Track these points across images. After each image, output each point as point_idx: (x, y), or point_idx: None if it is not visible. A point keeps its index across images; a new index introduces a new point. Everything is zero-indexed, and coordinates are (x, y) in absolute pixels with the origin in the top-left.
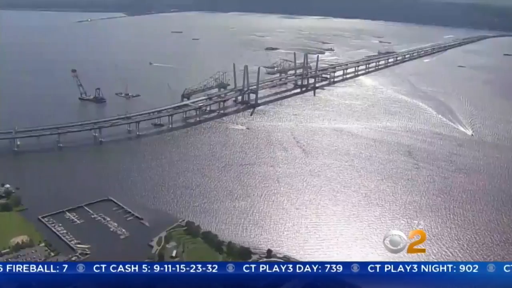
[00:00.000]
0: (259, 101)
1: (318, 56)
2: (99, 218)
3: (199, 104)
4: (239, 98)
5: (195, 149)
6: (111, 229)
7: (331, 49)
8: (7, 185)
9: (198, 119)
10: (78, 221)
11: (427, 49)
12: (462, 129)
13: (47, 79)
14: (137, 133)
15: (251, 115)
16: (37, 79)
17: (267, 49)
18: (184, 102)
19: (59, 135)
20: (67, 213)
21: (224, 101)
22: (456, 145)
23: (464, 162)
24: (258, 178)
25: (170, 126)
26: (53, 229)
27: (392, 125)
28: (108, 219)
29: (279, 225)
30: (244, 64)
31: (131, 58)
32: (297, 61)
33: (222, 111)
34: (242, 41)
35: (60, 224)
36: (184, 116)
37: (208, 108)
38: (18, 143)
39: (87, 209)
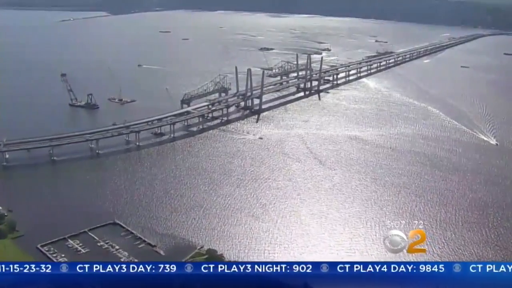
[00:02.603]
0: (262, 106)
1: (322, 57)
2: (106, 246)
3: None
4: (242, 103)
5: (202, 162)
6: (122, 260)
7: (327, 49)
8: None
9: (201, 127)
10: (83, 250)
11: (426, 48)
12: (482, 136)
13: (33, 83)
14: (137, 143)
15: (256, 122)
16: (22, 83)
17: (261, 49)
18: (185, 109)
19: (53, 148)
20: (69, 240)
21: (228, 107)
22: (478, 153)
23: (493, 173)
24: (276, 194)
25: (172, 135)
26: (55, 260)
27: (407, 131)
28: (117, 247)
29: (309, 251)
30: (239, 66)
31: (118, 59)
32: (297, 63)
33: (225, 118)
34: (234, 41)
35: (63, 255)
36: (186, 124)
37: (210, 115)
38: (7, 156)
39: (92, 234)
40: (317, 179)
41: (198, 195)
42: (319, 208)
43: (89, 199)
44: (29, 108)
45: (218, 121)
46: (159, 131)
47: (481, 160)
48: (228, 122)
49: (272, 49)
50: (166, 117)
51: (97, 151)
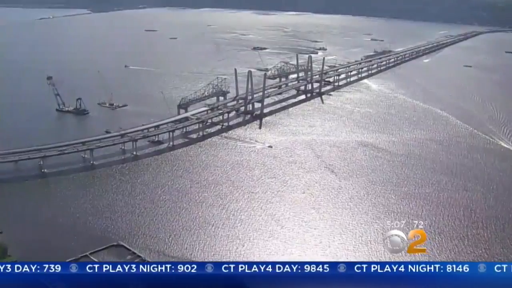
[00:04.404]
0: (263, 111)
1: (324, 58)
2: None
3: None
4: (242, 108)
5: (206, 173)
6: None
7: (323, 48)
8: None
9: (201, 133)
10: None
11: (425, 47)
12: (501, 142)
13: (15, 87)
14: (134, 153)
15: (260, 128)
16: (3, 86)
17: (254, 48)
18: (184, 115)
19: (43, 159)
20: None
21: (229, 112)
22: (499, 161)
23: None
24: (291, 208)
25: (171, 143)
26: None
27: (418, 136)
28: None
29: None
30: (232, 66)
31: (103, 60)
32: (297, 64)
33: (226, 124)
34: (224, 40)
35: None
36: (184, 131)
37: (210, 121)
38: None
39: (94, 259)
40: (333, 191)
41: (207, 210)
42: (341, 226)
43: (86, 217)
44: (12, 114)
45: (219, 127)
46: (156, 139)
47: (503, 169)
48: (230, 128)
49: (265, 48)
50: (165, 123)
51: (91, 162)
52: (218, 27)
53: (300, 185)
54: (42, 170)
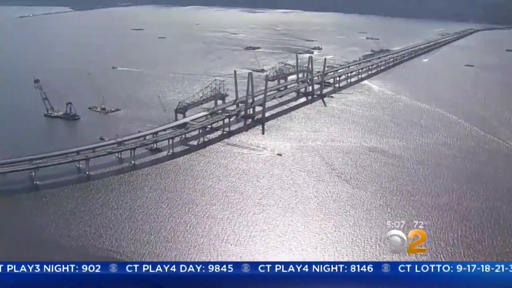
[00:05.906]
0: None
1: (325, 59)
2: None
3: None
4: (242, 112)
5: (212, 183)
6: None
7: (318, 48)
8: None
9: (202, 140)
10: None
11: (423, 45)
12: None
13: (0, 91)
14: (132, 162)
15: (262, 133)
16: None
17: (247, 48)
18: (183, 120)
19: (34, 170)
20: None
21: (230, 117)
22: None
23: None
24: (306, 221)
25: (171, 151)
26: None
27: (430, 141)
28: None
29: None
30: (226, 67)
31: (88, 60)
32: (297, 64)
33: (227, 129)
34: (214, 39)
35: None
36: (184, 137)
37: (209, 126)
38: None
39: None
40: (348, 202)
41: (217, 225)
42: (353, 236)
43: (85, 234)
44: None
45: (219, 132)
46: (155, 147)
47: None
48: (231, 134)
49: (258, 48)
50: (164, 129)
51: (87, 173)
52: (207, 25)
53: (311, 195)
54: (34, 182)
